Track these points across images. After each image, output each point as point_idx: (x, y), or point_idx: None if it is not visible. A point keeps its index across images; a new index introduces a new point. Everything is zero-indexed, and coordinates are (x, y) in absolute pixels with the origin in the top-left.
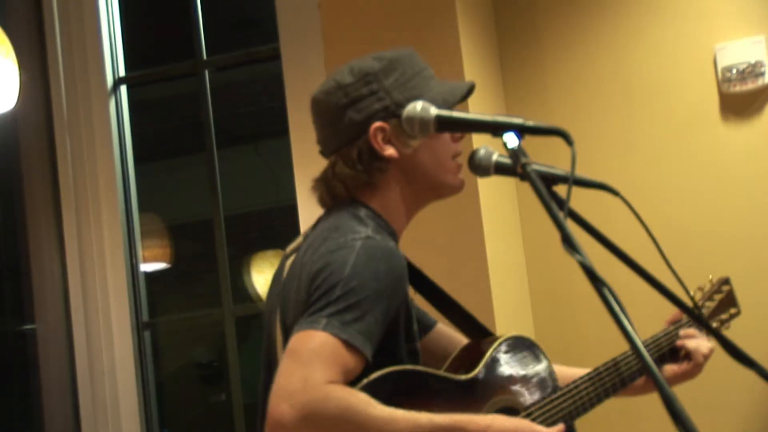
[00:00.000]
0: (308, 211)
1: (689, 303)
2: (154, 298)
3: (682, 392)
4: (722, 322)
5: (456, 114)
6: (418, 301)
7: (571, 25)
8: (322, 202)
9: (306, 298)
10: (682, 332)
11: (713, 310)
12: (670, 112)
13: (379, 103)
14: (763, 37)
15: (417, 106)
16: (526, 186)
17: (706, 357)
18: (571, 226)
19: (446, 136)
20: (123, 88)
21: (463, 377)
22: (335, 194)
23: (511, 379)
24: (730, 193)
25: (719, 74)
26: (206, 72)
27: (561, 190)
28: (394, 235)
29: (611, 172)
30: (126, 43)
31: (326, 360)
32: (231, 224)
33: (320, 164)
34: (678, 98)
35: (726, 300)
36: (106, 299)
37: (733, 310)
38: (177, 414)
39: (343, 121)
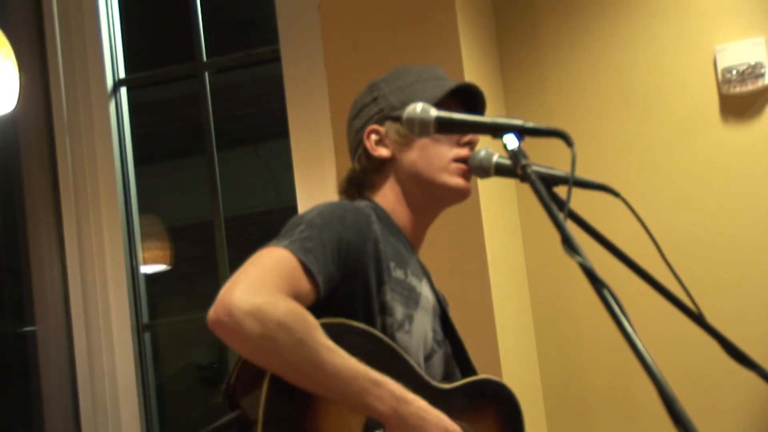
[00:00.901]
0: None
1: (690, 304)
2: (154, 300)
3: (682, 394)
4: None
5: (456, 115)
6: None
7: (571, 27)
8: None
9: None
10: None
11: None
12: (670, 113)
13: (375, 108)
14: (763, 38)
15: (417, 108)
16: (526, 187)
17: None
18: (571, 228)
19: (447, 138)
20: (123, 90)
21: (434, 382)
22: (352, 195)
23: (478, 417)
24: (730, 194)
25: (719, 75)
26: (206, 74)
27: (561, 191)
28: (399, 233)
29: (611, 173)
30: (126, 45)
31: (284, 273)
32: (231, 226)
33: (320, 166)
34: (678, 99)
35: None
36: (106, 301)
37: None
38: (177, 416)
39: (352, 130)
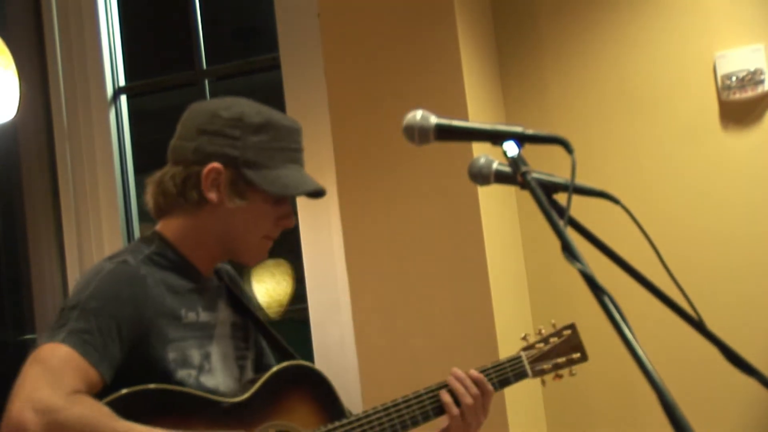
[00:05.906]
0: (308, 219)
1: (690, 311)
2: None
3: (681, 400)
4: (558, 366)
5: (456, 122)
6: None
7: (571, 34)
8: (152, 212)
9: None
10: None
11: (545, 352)
12: (670, 120)
13: (230, 150)
14: (762, 45)
15: (417, 115)
16: (526, 194)
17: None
18: (572, 235)
19: (271, 212)
20: (123, 98)
21: (228, 400)
22: (158, 207)
23: (288, 405)
24: (730, 200)
25: (719, 82)
26: (206, 81)
27: (561, 198)
28: (185, 267)
29: (611, 180)
30: (126, 52)
31: (68, 372)
32: None
33: (319, 173)
34: (678, 106)
35: (565, 345)
36: None
37: (575, 355)
38: None
39: (194, 143)
